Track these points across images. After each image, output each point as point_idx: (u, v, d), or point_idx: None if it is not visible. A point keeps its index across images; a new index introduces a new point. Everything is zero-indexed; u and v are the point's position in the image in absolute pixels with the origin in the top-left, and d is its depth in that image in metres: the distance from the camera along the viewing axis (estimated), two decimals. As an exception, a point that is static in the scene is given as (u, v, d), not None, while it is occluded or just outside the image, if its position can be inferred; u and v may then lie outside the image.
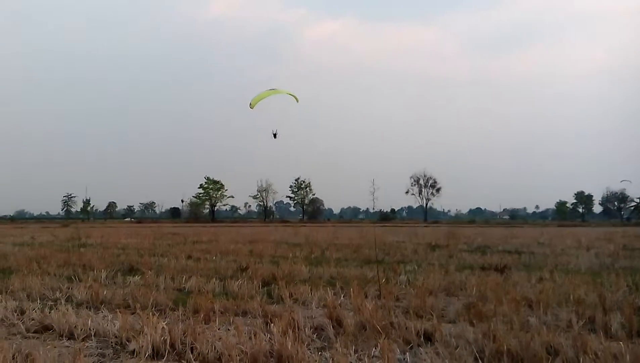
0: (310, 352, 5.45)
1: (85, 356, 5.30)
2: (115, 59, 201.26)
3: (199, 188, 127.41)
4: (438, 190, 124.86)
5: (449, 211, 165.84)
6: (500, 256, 16.22)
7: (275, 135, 19.49)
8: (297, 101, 18.41)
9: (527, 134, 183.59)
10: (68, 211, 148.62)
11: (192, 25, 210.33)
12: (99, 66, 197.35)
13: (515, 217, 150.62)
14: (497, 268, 12.61)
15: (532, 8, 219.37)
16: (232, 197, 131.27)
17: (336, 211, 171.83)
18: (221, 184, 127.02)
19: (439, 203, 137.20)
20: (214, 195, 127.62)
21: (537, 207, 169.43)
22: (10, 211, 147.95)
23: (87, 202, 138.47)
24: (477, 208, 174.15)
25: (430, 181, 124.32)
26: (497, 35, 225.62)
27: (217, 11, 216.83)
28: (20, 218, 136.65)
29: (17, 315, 7.28)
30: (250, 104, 16.67)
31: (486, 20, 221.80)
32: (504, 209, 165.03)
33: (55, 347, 5.76)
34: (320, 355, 5.45)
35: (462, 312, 7.29)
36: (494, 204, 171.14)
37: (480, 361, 5.13)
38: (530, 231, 45.59)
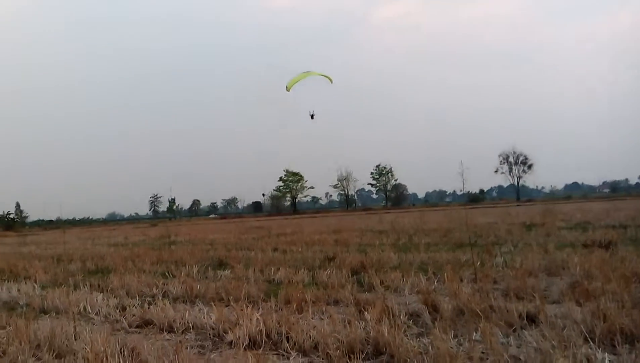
0: (408, 338, 5.42)
1: (186, 348, 5.57)
2: (188, 57, 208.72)
3: (279, 181, 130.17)
4: (530, 167, 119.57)
5: (542, 188, 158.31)
6: (603, 232, 15.37)
7: (312, 116, 19.97)
8: (331, 82, 18.91)
9: (621, 99, 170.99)
10: (155, 211, 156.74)
11: (262, 16, 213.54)
12: (174, 64, 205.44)
13: (617, 189, 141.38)
14: (601, 244, 12.06)
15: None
16: (313, 188, 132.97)
17: (421, 195, 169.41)
18: (301, 175, 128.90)
19: (531, 180, 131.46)
20: (294, 187, 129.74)
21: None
22: (103, 214, 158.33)
23: (172, 201, 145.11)
24: (573, 182, 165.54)
25: (521, 158, 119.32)
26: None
27: (281, 1, 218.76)
28: (112, 220, 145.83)
29: (119, 311, 7.79)
30: (286, 87, 17.37)
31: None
32: (603, 182, 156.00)
33: (157, 340, 6.10)
34: (419, 340, 5.42)
35: (566, 292, 7.05)
36: (592, 178, 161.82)
37: (590, 342, 4.91)
38: (634, 203, 42.76)
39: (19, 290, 10.37)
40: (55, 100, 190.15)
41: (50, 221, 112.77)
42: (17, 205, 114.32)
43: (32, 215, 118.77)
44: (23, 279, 12.31)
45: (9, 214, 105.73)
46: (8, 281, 11.91)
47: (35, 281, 11.54)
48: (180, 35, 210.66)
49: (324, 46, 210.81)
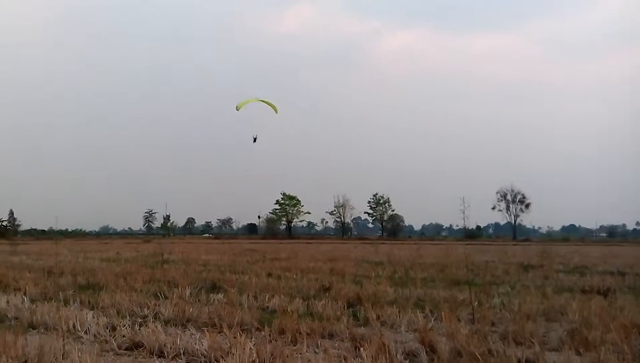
0: (404, 380, 5.34)
1: (176, 375, 5.47)
2: (189, 77, 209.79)
3: (275, 203, 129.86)
4: (527, 206, 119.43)
5: (539, 228, 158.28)
6: (601, 278, 15.49)
7: (255, 139, 21.23)
8: (277, 113, 20.51)
9: (625, 141, 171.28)
10: (149, 227, 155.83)
11: (265, 42, 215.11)
12: (174, 83, 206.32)
13: (614, 234, 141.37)
14: (600, 291, 12.06)
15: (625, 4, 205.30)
16: (309, 213, 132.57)
17: (417, 227, 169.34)
18: (297, 200, 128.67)
19: (528, 219, 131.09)
20: (291, 211, 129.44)
21: (638, 224, 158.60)
22: (95, 227, 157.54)
23: (167, 218, 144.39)
24: (570, 224, 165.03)
25: (519, 197, 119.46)
26: (584, 39, 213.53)
27: (290, 27, 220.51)
28: (104, 234, 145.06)
29: (109, 331, 7.65)
30: (236, 107, 19.01)
31: (572, 24, 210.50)
32: (600, 226, 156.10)
33: (147, 365, 5.99)
34: (415, 383, 5.34)
35: (565, 340, 7.02)
36: (590, 221, 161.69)
37: (591, 395, 4.84)
38: (631, 249, 42.80)
39: (7, 302, 10.22)
40: (54, 111, 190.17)
41: (43, 231, 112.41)
42: (11, 213, 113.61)
43: (25, 224, 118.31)
44: (12, 290, 12.18)
45: (2, 221, 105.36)
46: (-3, 292, 11.75)
47: (25, 294, 11.38)
48: (182, 53, 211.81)
49: (327, 73, 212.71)
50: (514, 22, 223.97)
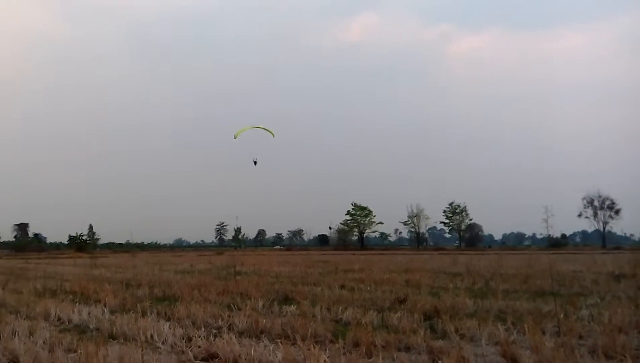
0: (486, 395, 5.22)
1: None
2: (261, 91, 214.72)
3: (346, 214, 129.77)
4: (617, 212, 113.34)
5: (632, 235, 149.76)
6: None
7: (255, 163, 23.23)
8: (274, 136, 22.41)
9: None
10: (221, 239, 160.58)
11: (333, 52, 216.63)
12: (246, 99, 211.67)
13: None
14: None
15: None
16: (381, 223, 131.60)
17: (497, 237, 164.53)
18: (369, 210, 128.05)
19: (618, 226, 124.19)
20: (362, 222, 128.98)
21: None
22: (170, 240, 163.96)
23: (238, 230, 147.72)
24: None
25: (607, 202, 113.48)
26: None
27: (357, 35, 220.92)
28: (178, 246, 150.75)
29: (185, 342, 7.94)
30: (234, 135, 21.12)
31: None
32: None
33: (222, 376, 6.16)
34: (498, 399, 5.20)
35: (662, 354, 6.61)
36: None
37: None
38: None
39: (89, 314, 10.82)
40: (135, 138, 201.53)
41: (120, 244, 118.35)
42: (90, 227, 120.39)
43: (103, 238, 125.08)
44: (93, 302, 12.87)
45: (82, 235, 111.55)
46: (79, 304, 12.43)
47: (105, 305, 12.03)
48: (246, 75, 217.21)
49: (395, 82, 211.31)
50: (594, 18, 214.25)
